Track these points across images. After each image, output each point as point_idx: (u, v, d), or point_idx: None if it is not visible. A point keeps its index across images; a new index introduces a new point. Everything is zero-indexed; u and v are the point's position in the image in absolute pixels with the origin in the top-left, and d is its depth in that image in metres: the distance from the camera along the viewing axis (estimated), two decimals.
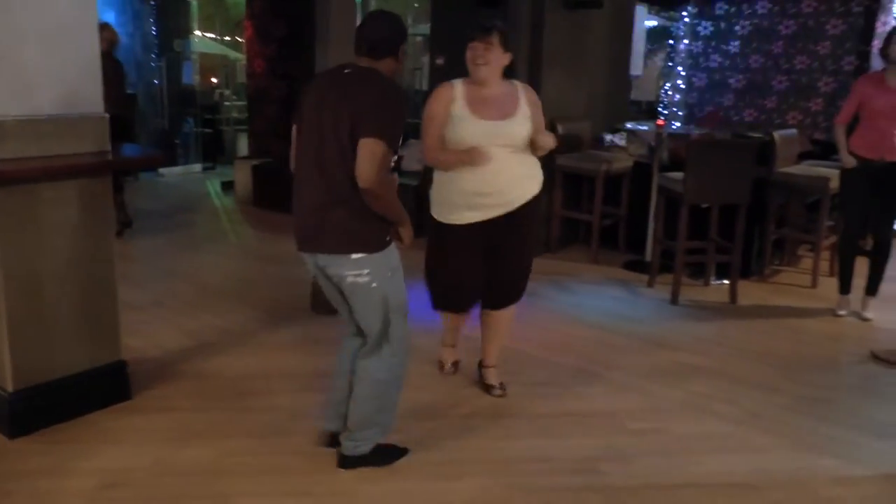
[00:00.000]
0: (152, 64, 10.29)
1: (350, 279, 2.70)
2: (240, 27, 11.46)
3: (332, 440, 3.04)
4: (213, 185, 9.41)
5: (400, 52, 2.76)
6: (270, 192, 7.91)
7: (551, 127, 3.60)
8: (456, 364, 3.93)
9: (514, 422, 3.41)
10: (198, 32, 11.90)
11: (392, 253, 2.79)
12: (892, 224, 4.89)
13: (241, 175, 8.28)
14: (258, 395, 3.60)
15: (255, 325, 4.53)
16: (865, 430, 3.45)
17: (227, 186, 8.97)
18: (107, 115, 3.33)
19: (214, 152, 10.96)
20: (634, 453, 3.18)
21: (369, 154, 2.52)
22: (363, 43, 2.72)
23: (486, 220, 3.35)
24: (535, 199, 3.43)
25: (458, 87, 3.31)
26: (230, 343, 4.24)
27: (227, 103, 11.41)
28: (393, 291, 2.77)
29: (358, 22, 9.92)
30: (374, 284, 2.71)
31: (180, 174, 10.20)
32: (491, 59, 3.21)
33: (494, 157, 3.22)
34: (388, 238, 2.75)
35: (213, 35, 13.23)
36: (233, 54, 12.75)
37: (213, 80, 12.36)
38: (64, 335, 3.26)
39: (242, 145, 10.29)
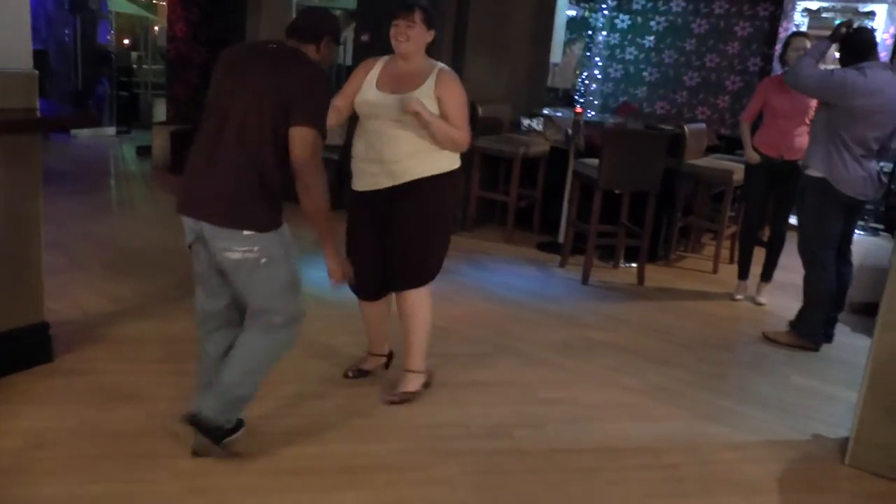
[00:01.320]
0: (65, 21, 9.92)
1: (237, 255, 2.63)
2: None
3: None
4: (129, 150, 9.19)
5: (322, 42, 2.77)
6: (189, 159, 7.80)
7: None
8: (360, 372, 3.65)
9: (433, 391, 3.55)
10: None
11: (284, 233, 2.74)
12: (787, 218, 5.26)
13: (159, 140, 8.12)
14: (183, 359, 3.60)
15: (175, 290, 4.53)
16: (752, 402, 3.79)
17: (144, 151, 8.78)
18: (35, 72, 3.29)
19: (129, 116, 10.67)
20: (545, 421, 3.40)
21: (302, 141, 2.59)
22: (291, 25, 2.81)
23: (375, 190, 3.30)
24: (434, 179, 3.26)
25: (381, 60, 3.35)
26: (151, 307, 4.25)
27: (144, 66, 11.11)
28: (285, 269, 2.74)
29: None
30: (262, 260, 2.65)
31: (92, 136, 9.89)
32: (412, 35, 3.18)
33: (380, 127, 3.21)
34: (281, 219, 2.73)
35: None
36: (151, 17, 12.39)
37: (126, 41, 12.00)
38: None
39: (159, 111, 10.06)
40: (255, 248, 2.63)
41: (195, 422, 2.73)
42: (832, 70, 4.32)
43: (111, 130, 10.22)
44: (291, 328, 2.81)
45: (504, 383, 3.75)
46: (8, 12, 3.18)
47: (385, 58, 3.36)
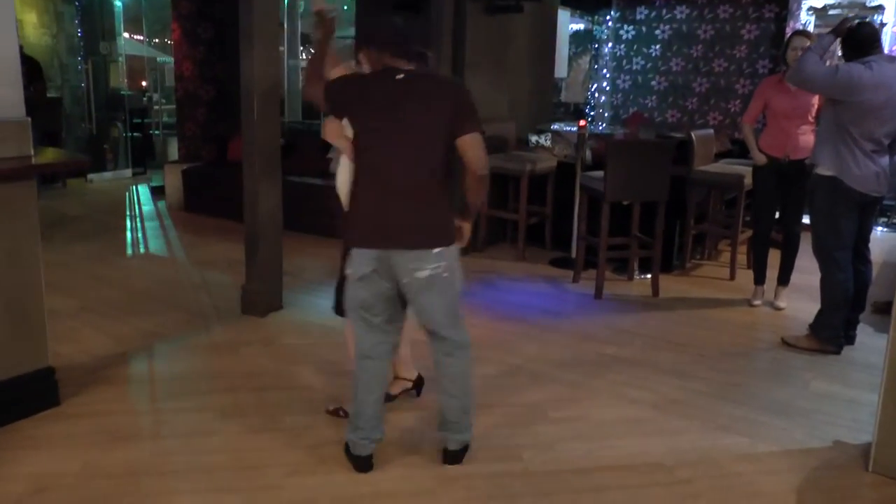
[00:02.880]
0: (78, 67, 10.10)
1: (427, 273, 2.78)
2: (168, 29, 11.32)
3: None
4: (144, 191, 9.30)
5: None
6: (201, 196, 7.87)
7: None
8: (386, 397, 3.36)
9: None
10: (125, 34, 11.69)
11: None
12: (800, 218, 5.15)
13: (172, 179, 8.20)
14: (187, 397, 3.63)
15: (184, 328, 4.54)
16: (770, 410, 3.67)
17: (158, 191, 8.88)
18: (28, 119, 3.32)
19: (144, 157, 10.79)
20: (555, 440, 3.32)
21: (478, 145, 2.82)
22: (403, 50, 2.83)
23: None
24: None
25: None
26: (160, 346, 4.25)
27: (156, 107, 11.25)
28: (459, 281, 2.93)
29: (283, 23, 9.93)
30: (445, 275, 2.82)
31: (109, 180, 10.04)
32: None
33: None
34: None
35: (140, 37, 13.01)
36: (161, 57, 12.56)
37: (143, 83, 12.16)
38: None
39: (173, 150, 10.18)
40: (443, 264, 2.80)
41: (458, 458, 3.08)
42: (837, 66, 4.23)
43: (127, 172, 10.36)
44: (468, 348, 3.02)
45: (514, 404, 3.68)
46: None
47: None
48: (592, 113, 9.84)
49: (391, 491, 2.90)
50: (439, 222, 2.82)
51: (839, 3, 7.97)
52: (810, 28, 7.95)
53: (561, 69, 8.67)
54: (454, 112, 2.78)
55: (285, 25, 10.20)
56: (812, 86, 4.34)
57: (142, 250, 6.59)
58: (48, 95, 9.19)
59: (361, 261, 2.83)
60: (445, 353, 2.98)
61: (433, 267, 2.78)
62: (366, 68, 3.02)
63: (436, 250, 2.78)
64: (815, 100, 4.82)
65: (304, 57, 10.32)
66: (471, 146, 2.80)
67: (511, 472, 3.05)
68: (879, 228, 7.87)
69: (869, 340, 4.60)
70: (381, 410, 3.03)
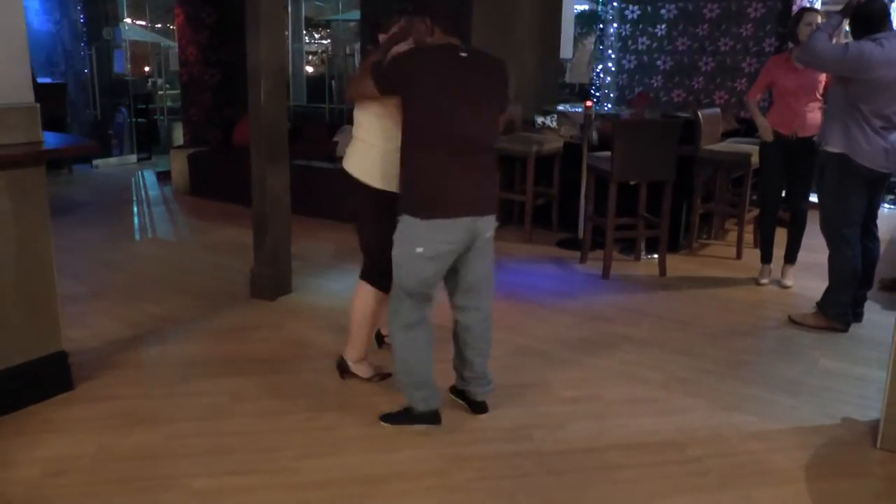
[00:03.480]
0: (81, 53, 10.09)
1: (490, 233, 3.10)
2: (170, 14, 11.29)
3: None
4: (149, 176, 9.32)
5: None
6: (207, 181, 7.89)
7: None
8: (385, 375, 3.69)
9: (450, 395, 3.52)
10: (128, 20, 11.68)
11: None
12: (807, 196, 5.15)
13: (177, 164, 8.22)
14: (199, 380, 3.66)
15: (194, 312, 4.57)
16: (778, 388, 3.69)
17: (164, 176, 8.90)
18: (37, 105, 3.32)
19: (149, 142, 10.81)
20: (565, 420, 3.34)
21: (506, 118, 3.34)
22: (455, 25, 3.06)
23: None
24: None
25: None
26: (170, 331, 4.28)
27: (160, 92, 11.25)
28: None
29: (289, 9, 9.91)
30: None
31: (115, 165, 10.06)
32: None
33: None
34: None
35: (143, 22, 12.99)
36: (164, 42, 12.55)
37: (146, 68, 12.16)
38: (2, 327, 3.26)
39: (178, 134, 10.19)
40: (496, 225, 3.14)
41: (486, 407, 3.39)
42: (846, 43, 4.21)
43: (132, 158, 10.38)
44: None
45: (524, 384, 3.70)
46: (7, 46, 3.21)
47: None
48: (598, 94, 9.80)
49: (404, 472, 2.92)
50: (496, 189, 3.19)
51: None
52: (817, 6, 7.89)
53: (566, 50, 8.64)
54: (502, 90, 3.13)
55: (289, 9, 10.18)
56: (822, 65, 4.32)
57: (150, 235, 6.61)
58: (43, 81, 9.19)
59: (446, 235, 2.94)
60: (478, 308, 3.24)
61: (494, 228, 3.12)
62: (417, 39, 3.14)
63: (494, 215, 3.10)
64: (823, 77, 4.80)
65: (308, 41, 10.31)
66: (501, 119, 3.21)
67: (522, 451, 3.08)
68: (886, 206, 7.85)
69: (876, 317, 4.61)
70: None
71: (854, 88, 4.14)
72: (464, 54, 2.95)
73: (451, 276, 3.16)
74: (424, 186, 2.94)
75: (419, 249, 2.93)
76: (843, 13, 4.23)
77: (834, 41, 4.22)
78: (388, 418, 3.25)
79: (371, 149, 3.33)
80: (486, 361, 3.33)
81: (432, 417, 3.19)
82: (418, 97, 2.92)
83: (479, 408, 3.37)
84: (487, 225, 3.06)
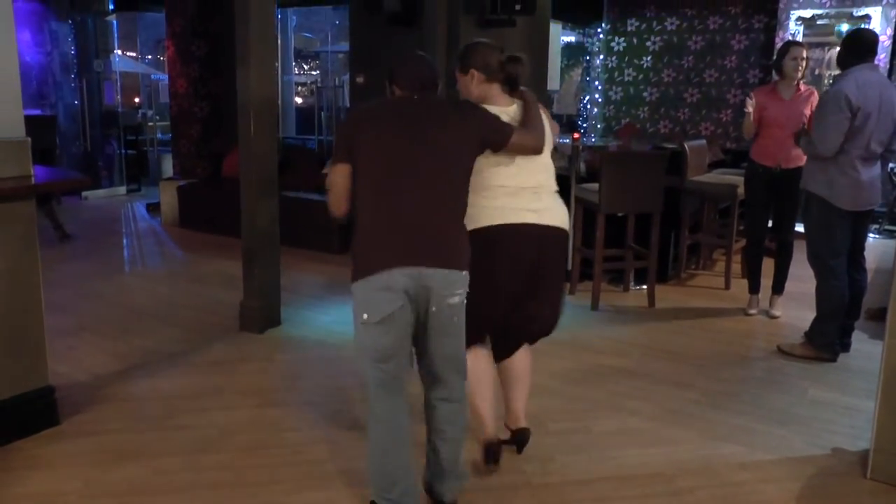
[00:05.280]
0: (72, 84, 10.13)
1: (457, 298, 2.58)
2: (161, 46, 11.37)
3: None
4: (139, 208, 9.31)
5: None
6: (196, 213, 7.89)
7: None
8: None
9: None
10: (118, 51, 11.75)
11: None
12: (793, 227, 5.19)
13: (167, 196, 8.23)
14: (187, 414, 3.64)
15: (183, 345, 4.55)
16: (768, 418, 3.70)
17: (153, 208, 8.90)
18: (28, 139, 3.34)
19: (139, 174, 10.82)
20: (554, 452, 3.33)
21: (523, 139, 2.82)
22: (421, 81, 2.71)
23: None
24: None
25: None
26: (158, 364, 4.26)
27: (150, 124, 11.28)
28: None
29: (278, 41, 9.96)
30: (463, 300, 2.63)
31: (104, 197, 10.05)
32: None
33: None
34: None
35: (133, 54, 13.07)
36: (155, 73, 12.62)
37: (136, 100, 12.20)
38: None
39: (168, 166, 10.21)
40: (465, 289, 2.62)
41: None
42: (828, 117, 4.13)
43: (122, 189, 10.38)
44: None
45: None
46: (1, 88, 3.23)
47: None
48: (585, 125, 9.90)
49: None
50: (465, 243, 2.65)
51: (826, 14, 8.05)
52: (799, 38, 8.02)
53: (553, 82, 8.72)
54: (481, 130, 2.71)
55: (279, 41, 10.25)
56: (836, 141, 4.15)
57: (139, 267, 6.60)
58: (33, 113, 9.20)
59: (385, 291, 2.49)
60: (447, 399, 2.72)
61: (461, 293, 2.59)
62: None
63: (463, 272, 2.60)
64: (808, 110, 4.87)
65: (297, 72, 10.38)
66: (519, 144, 2.80)
67: (513, 485, 3.06)
68: (872, 235, 7.92)
69: (864, 347, 4.63)
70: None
71: None
72: (420, 101, 2.68)
73: (420, 361, 2.73)
74: (361, 248, 2.59)
75: (364, 316, 2.52)
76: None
77: (816, 72, 4.28)
78: None
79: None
80: (457, 451, 2.78)
81: None
82: (364, 148, 2.63)
83: None
84: (443, 282, 2.53)
